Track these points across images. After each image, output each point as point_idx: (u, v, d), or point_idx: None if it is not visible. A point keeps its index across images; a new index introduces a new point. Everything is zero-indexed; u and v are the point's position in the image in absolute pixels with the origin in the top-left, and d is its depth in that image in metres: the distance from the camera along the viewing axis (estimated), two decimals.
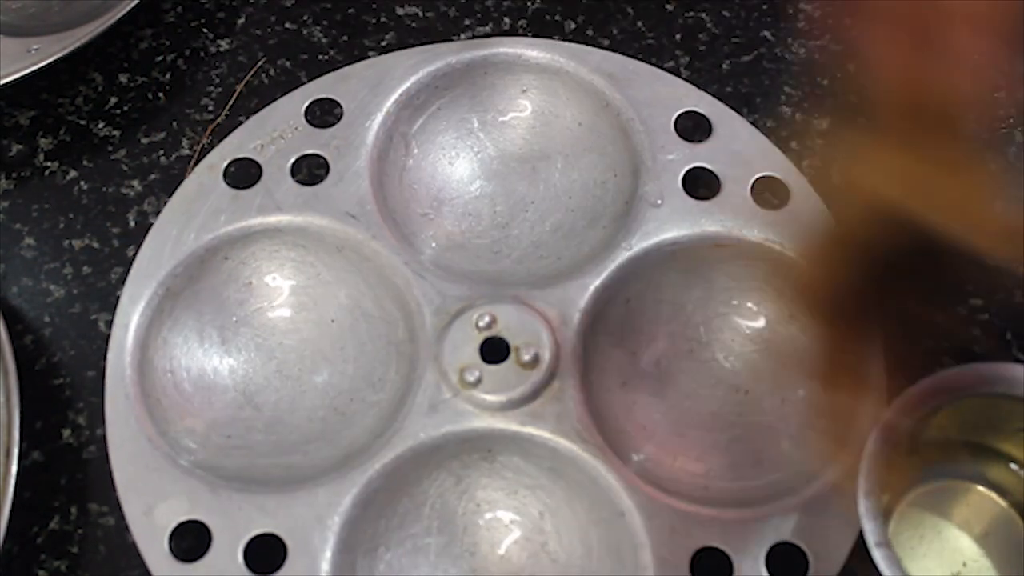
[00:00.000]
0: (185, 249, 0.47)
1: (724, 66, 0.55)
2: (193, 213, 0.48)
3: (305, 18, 0.59)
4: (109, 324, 0.46)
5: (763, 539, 0.41)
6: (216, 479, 0.42)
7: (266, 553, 0.41)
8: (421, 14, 0.59)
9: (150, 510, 0.42)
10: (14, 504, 0.43)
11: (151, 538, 0.41)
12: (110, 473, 0.43)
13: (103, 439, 0.45)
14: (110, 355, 0.45)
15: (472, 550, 0.44)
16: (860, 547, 0.42)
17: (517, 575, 0.43)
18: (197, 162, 0.51)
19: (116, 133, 0.56)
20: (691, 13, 0.58)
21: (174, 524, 0.41)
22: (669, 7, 0.58)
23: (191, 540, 0.42)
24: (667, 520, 0.41)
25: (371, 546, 0.43)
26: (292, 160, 0.49)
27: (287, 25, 0.59)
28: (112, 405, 0.44)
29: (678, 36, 0.57)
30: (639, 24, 0.57)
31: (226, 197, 0.48)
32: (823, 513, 0.41)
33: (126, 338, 0.45)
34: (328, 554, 0.41)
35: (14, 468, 0.43)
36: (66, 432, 0.48)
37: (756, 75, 0.55)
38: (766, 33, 0.57)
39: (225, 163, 0.49)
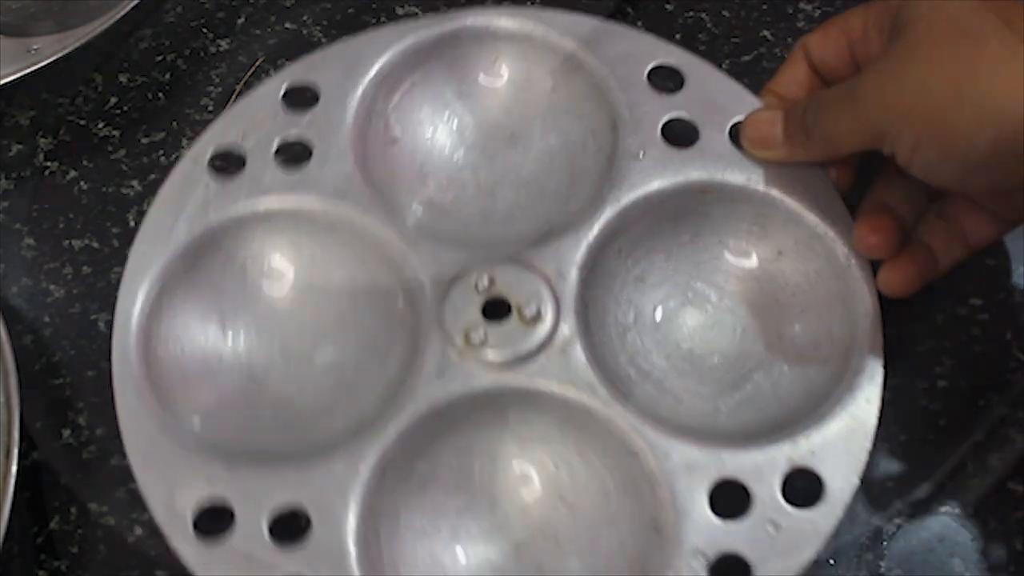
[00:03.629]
0: (177, 242, 0.47)
1: (724, 66, 0.55)
2: (182, 206, 0.48)
3: (305, 18, 0.59)
4: (109, 324, 0.46)
5: (776, 467, 0.42)
6: (232, 457, 0.43)
7: (289, 525, 0.42)
8: (421, 14, 0.59)
9: (171, 495, 0.42)
10: (14, 504, 0.43)
11: (175, 522, 0.41)
12: (110, 472, 0.43)
13: (103, 439, 0.45)
14: (114, 352, 0.45)
15: (492, 507, 0.44)
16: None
17: (538, 526, 0.44)
18: None
19: (116, 133, 0.56)
20: (691, 13, 0.58)
21: (196, 506, 0.42)
22: (669, 7, 0.59)
23: (214, 519, 0.42)
24: (681, 458, 0.42)
25: (392, 511, 0.43)
26: (275, 146, 0.49)
27: (287, 25, 0.59)
28: (122, 399, 0.44)
29: (678, 36, 0.57)
30: (639, 24, 0.57)
31: (212, 188, 0.48)
32: (833, 436, 0.42)
33: (128, 333, 0.45)
34: (352, 522, 0.41)
35: (14, 468, 0.43)
36: (66, 432, 0.48)
37: (756, 75, 0.54)
38: (766, 33, 0.58)
39: (208, 154, 0.49)
